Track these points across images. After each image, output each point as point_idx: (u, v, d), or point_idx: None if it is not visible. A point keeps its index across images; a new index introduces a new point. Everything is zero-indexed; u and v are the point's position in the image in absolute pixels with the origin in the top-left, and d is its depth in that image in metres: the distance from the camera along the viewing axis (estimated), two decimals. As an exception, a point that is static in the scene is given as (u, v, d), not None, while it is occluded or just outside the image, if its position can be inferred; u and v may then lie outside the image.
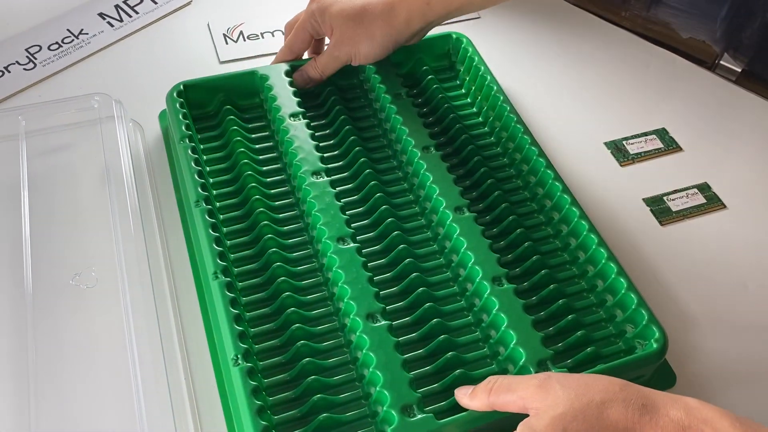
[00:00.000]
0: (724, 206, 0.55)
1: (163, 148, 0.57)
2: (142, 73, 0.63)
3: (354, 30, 0.54)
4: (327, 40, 0.59)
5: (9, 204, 0.50)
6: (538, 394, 0.36)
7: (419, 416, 0.40)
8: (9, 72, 0.61)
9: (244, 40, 0.66)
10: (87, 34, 0.65)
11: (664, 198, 0.55)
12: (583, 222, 0.49)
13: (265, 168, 0.54)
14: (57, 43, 0.64)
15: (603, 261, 0.47)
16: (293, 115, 0.55)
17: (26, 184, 0.51)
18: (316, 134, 0.55)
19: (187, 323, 0.47)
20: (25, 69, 0.61)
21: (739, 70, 0.67)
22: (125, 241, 0.47)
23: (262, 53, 0.65)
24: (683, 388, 0.45)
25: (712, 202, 0.55)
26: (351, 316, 0.44)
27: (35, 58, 0.62)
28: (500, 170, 0.56)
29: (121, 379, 0.42)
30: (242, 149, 0.54)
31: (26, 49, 0.63)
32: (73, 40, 0.64)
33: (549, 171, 0.52)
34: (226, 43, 0.66)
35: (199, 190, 0.49)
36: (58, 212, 0.51)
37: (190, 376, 0.44)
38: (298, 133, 0.53)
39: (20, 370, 0.43)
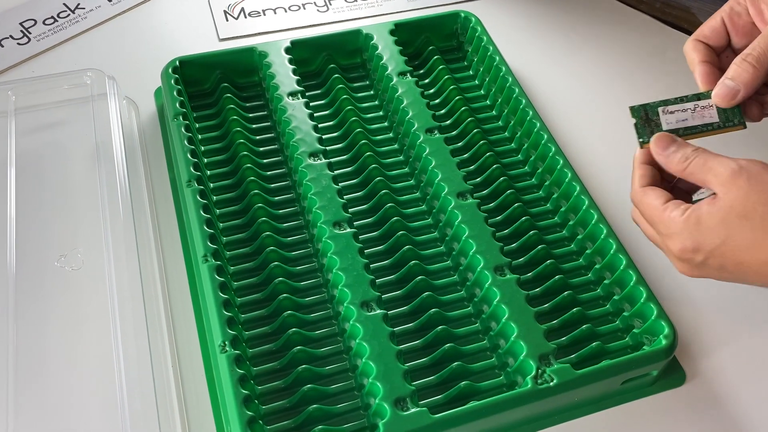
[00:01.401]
0: (742, 197, 0.53)
1: (159, 126, 0.55)
2: (139, 50, 0.61)
3: None
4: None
5: (-5, 181, 0.49)
6: (726, 186, 0.34)
7: (413, 410, 0.38)
8: (2, 46, 0.59)
9: (245, 17, 0.64)
10: (84, 8, 0.63)
11: None
12: (593, 212, 0.47)
13: (261, 149, 0.52)
14: (52, 17, 0.62)
15: (612, 252, 0.45)
16: (292, 94, 0.53)
17: (13, 161, 0.49)
18: (315, 114, 0.53)
19: (177, 308, 0.45)
20: (18, 43, 0.59)
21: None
22: (113, 222, 0.45)
23: (263, 31, 0.63)
24: (693, 387, 0.43)
25: (729, 193, 0.52)
26: (345, 304, 0.42)
27: (29, 33, 0.60)
28: (507, 155, 0.53)
29: (105, 364, 0.41)
30: (238, 128, 0.52)
31: (21, 23, 0.61)
32: (69, 14, 0.62)
33: (558, 157, 0.50)
34: (227, 20, 0.63)
35: (192, 169, 0.47)
36: (45, 191, 0.49)
37: (178, 363, 0.43)
38: (296, 112, 0.51)
39: (0, 352, 0.42)
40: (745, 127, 0.40)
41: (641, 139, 0.40)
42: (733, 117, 0.40)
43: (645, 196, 0.38)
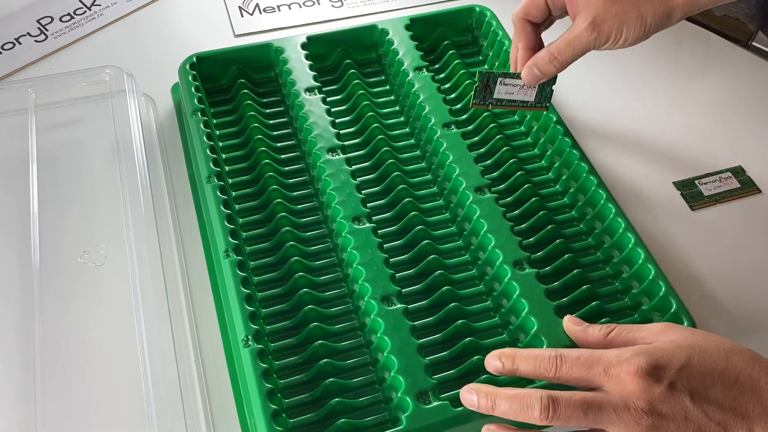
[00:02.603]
0: (759, 191, 0.53)
1: (176, 122, 0.55)
2: (155, 46, 0.61)
3: (618, 6, 0.42)
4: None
5: (17, 179, 0.49)
6: (665, 332, 0.36)
7: (435, 403, 0.38)
8: (20, 44, 0.60)
9: (260, 13, 0.64)
10: (99, 5, 0.63)
11: (696, 182, 0.53)
12: (610, 205, 0.47)
13: (279, 144, 0.52)
14: (69, 14, 0.62)
15: (630, 246, 0.45)
16: (309, 90, 0.53)
17: (35, 158, 0.49)
18: (333, 110, 0.53)
19: (198, 303, 0.46)
20: (36, 41, 0.60)
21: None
22: (135, 218, 0.46)
23: (278, 26, 0.63)
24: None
25: (747, 187, 0.53)
26: (365, 299, 0.42)
27: (47, 30, 0.61)
28: (523, 150, 0.54)
29: (129, 359, 0.41)
30: (256, 124, 0.52)
31: (38, 21, 0.62)
32: (85, 11, 0.63)
33: (575, 151, 0.50)
34: (242, 15, 0.64)
35: (211, 165, 0.48)
36: (67, 188, 0.49)
37: (200, 357, 0.43)
38: (314, 108, 0.52)
39: (27, 348, 0.42)
40: (548, 110, 0.49)
41: (474, 101, 0.47)
42: (545, 100, 0.48)
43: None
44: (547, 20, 0.47)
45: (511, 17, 0.47)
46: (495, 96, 0.45)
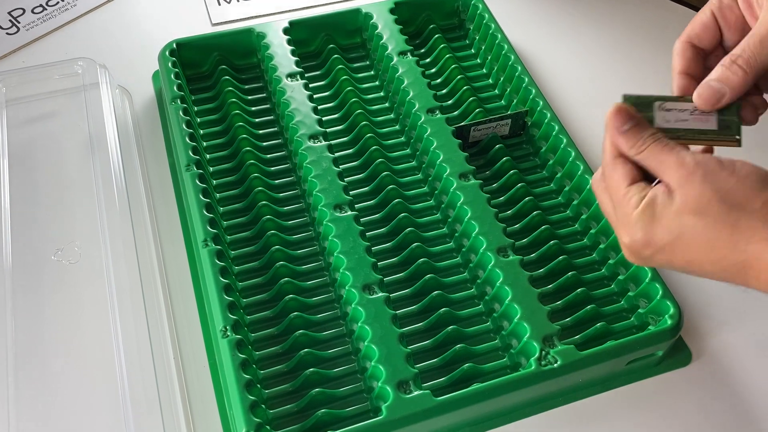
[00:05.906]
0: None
1: (153, 113, 0.54)
2: (130, 37, 0.60)
3: None
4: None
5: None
6: (683, 177, 0.31)
7: (416, 393, 0.37)
8: (-9, 37, 0.58)
9: (238, 1, 0.63)
10: (72, -5, 0.62)
11: None
12: (596, 190, 0.46)
13: (261, 131, 0.52)
14: (41, 5, 0.61)
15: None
16: (291, 75, 0.52)
17: (6, 154, 0.48)
18: (315, 96, 0.52)
19: (177, 296, 0.45)
20: (7, 33, 0.58)
21: None
22: (110, 213, 0.45)
23: (255, 14, 0.61)
24: (699, 366, 0.43)
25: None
26: (347, 288, 0.42)
27: (18, 22, 0.59)
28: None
29: (105, 357, 0.40)
30: (237, 111, 0.51)
31: (9, 13, 0.60)
32: (57, 2, 0.61)
33: (561, 137, 0.49)
34: (219, 3, 0.62)
35: (191, 153, 0.47)
36: (40, 184, 0.48)
37: (179, 351, 0.42)
38: (296, 94, 0.51)
39: (-1, 347, 0.41)
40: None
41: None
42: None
43: (614, 171, 0.33)
44: (716, 51, 0.36)
45: (674, 47, 0.36)
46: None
